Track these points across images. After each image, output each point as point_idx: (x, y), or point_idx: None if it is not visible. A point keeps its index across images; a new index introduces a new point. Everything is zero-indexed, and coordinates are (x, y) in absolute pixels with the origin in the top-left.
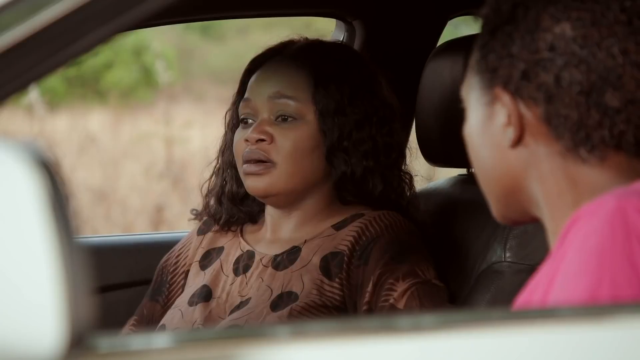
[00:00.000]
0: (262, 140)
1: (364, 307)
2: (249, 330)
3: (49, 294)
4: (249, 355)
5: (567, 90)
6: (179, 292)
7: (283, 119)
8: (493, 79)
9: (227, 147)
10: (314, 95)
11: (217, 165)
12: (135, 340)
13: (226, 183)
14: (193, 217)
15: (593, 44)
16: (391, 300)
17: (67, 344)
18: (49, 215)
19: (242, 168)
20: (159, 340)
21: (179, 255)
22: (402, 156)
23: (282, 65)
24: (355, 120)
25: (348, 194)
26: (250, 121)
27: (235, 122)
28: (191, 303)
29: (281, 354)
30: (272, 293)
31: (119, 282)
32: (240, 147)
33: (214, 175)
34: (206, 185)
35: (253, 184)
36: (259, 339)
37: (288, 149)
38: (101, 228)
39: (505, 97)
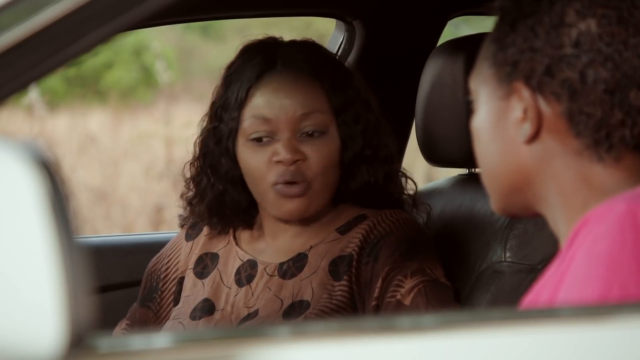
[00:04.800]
0: (298, 160)
1: (373, 303)
2: (249, 330)
3: (49, 294)
4: (249, 355)
5: (592, 87)
6: (170, 298)
7: (308, 134)
8: (512, 72)
9: (223, 156)
10: (333, 105)
11: (205, 176)
12: (135, 340)
13: (224, 194)
14: (181, 223)
15: (619, 42)
16: (398, 296)
17: (67, 344)
18: (49, 215)
19: (275, 190)
20: (159, 340)
21: (169, 261)
22: (399, 155)
23: (290, 77)
24: (372, 126)
25: (363, 200)
26: (265, 139)
27: (233, 134)
28: (193, 317)
29: (281, 354)
30: (282, 303)
31: (119, 282)
32: (266, 169)
33: (199, 184)
34: (189, 193)
35: (292, 207)
36: (259, 339)
37: (322, 164)
38: (101, 228)
39: (525, 92)
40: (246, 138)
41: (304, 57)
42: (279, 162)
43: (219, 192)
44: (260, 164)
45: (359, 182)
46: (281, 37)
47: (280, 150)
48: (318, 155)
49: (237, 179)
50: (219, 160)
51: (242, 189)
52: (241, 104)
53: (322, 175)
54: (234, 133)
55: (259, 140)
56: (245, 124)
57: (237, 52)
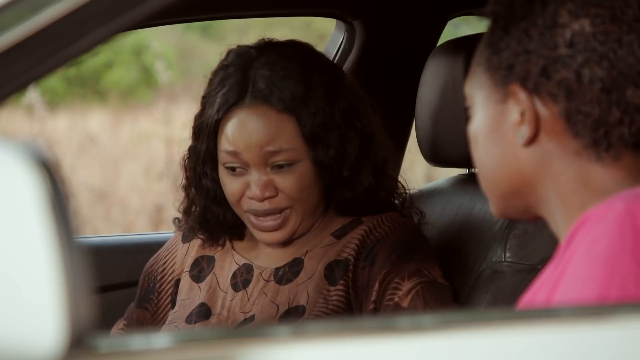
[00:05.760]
0: (270, 197)
1: (371, 306)
2: (249, 330)
3: (49, 294)
4: (249, 355)
5: (589, 86)
6: (167, 299)
7: (279, 166)
8: (508, 76)
9: (203, 177)
10: (304, 135)
11: (192, 189)
12: (135, 340)
13: (208, 211)
14: (177, 227)
15: (613, 41)
16: (396, 299)
17: (67, 344)
18: (49, 215)
19: (252, 220)
20: (159, 340)
21: (165, 262)
22: (395, 158)
23: (258, 112)
24: (352, 147)
25: (350, 213)
26: (238, 169)
27: (208, 159)
28: (189, 321)
29: (281, 354)
30: (278, 309)
31: (119, 282)
32: (239, 197)
33: (188, 194)
34: (182, 202)
35: (269, 238)
36: (259, 339)
37: (297, 192)
38: (101, 228)
39: (522, 94)
40: (222, 165)
41: (275, 87)
42: (250, 198)
43: (203, 208)
44: (235, 191)
45: (340, 200)
46: (264, 41)
47: (252, 187)
48: (290, 185)
49: (219, 198)
50: (200, 180)
51: (226, 206)
52: (210, 135)
53: (298, 202)
54: (207, 162)
55: (232, 169)
56: (219, 152)
57: (218, 63)
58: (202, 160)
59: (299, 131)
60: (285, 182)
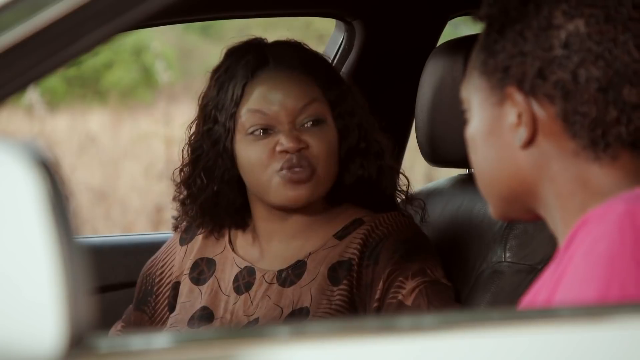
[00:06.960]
0: (302, 148)
1: (375, 304)
2: (249, 330)
3: (49, 294)
4: (249, 355)
5: (585, 87)
6: (165, 302)
7: (307, 125)
8: (504, 78)
9: (220, 157)
10: (328, 98)
11: (198, 178)
12: (135, 340)
13: (218, 195)
14: (175, 225)
15: (609, 40)
16: (399, 297)
17: (67, 344)
18: (49, 215)
19: (280, 175)
20: (159, 340)
21: (163, 265)
22: (399, 155)
23: (283, 74)
24: (366, 119)
25: (357, 198)
26: (266, 132)
27: (230, 133)
28: (191, 325)
29: (281, 354)
30: (282, 312)
31: (119, 282)
32: (269, 159)
33: (190, 187)
34: (182, 192)
35: (297, 194)
36: (259, 339)
37: (324, 152)
38: (101, 228)
39: (519, 96)
40: (245, 133)
41: (294, 55)
42: (283, 151)
43: (213, 193)
44: (262, 155)
45: (353, 176)
46: (265, 38)
47: (284, 141)
48: (319, 143)
49: (233, 179)
50: (215, 162)
51: (237, 189)
52: (238, 101)
53: (324, 162)
54: (231, 132)
55: (258, 133)
56: (243, 119)
57: (223, 54)
58: (225, 134)
59: (323, 94)
60: (315, 139)
